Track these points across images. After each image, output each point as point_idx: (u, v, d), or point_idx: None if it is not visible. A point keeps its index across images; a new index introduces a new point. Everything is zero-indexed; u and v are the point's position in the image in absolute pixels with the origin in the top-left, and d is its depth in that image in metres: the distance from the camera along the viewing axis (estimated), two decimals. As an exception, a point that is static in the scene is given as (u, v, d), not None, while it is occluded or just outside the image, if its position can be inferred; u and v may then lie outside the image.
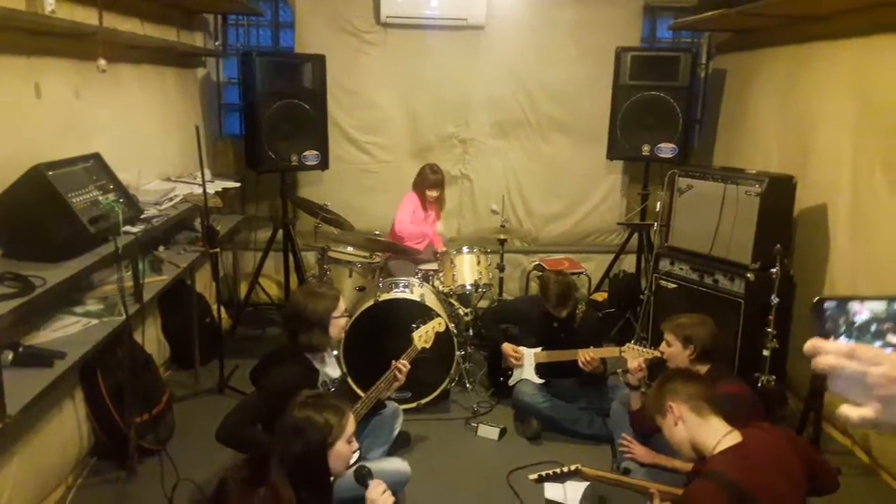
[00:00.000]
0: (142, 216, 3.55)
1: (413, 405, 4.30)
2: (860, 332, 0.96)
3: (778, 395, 4.04)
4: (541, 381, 4.21)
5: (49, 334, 2.98)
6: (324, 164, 5.47)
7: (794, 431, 3.71)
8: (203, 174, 4.00)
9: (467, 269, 4.82)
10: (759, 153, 4.92)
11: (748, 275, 4.11)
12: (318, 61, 5.29)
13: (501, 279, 5.40)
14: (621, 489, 2.77)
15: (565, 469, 2.73)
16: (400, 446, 3.81)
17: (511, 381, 4.31)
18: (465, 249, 4.88)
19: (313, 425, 2.24)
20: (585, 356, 3.92)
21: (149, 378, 3.89)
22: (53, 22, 3.02)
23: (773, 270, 3.79)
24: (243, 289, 5.89)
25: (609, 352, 3.94)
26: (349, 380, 4.18)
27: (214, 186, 4.62)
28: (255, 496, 2.14)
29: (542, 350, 4.22)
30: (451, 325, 4.29)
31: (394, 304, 4.29)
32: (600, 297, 5.85)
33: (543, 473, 2.77)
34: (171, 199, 4.06)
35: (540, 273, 5.50)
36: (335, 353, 3.41)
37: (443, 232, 5.54)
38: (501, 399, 4.47)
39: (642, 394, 3.52)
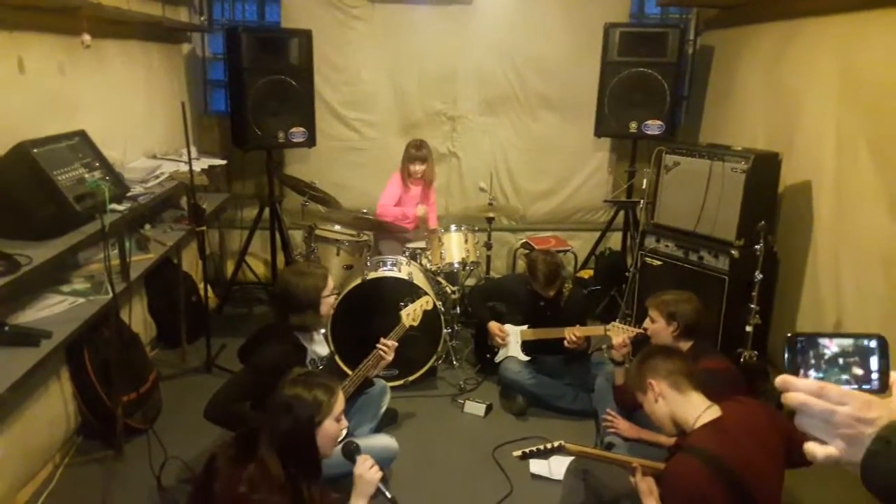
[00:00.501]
0: (128, 194, 3.53)
1: (400, 382, 4.33)
2: (828, 366, 0.99)
3: (760, 370, 4.09)
4: (527, 358, 4.24)
5: (35, 313, 2.97)
6: (311, 142, 5.44)
7: (775, 406, 3.76)
8: (189, 151, 3.97)
9: (455, 247, 4.83)
10: (746, 130, 4.94)
11: (732, 251, 4.14)
12: (305, 36, 5.24)
13: (489, 257, 5.42)
14: (605, 464, 2.81)
15: (549, 445, 2.75)
16: (387, 423, 3.85)
17: (497, 359, 4.35)
18: (452, 227, 4.89)
19: (302, 403, 2.26)
20: (572, 335, 3.95)
21: (135, 357, 3.89)
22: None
23: (757, 247, 3.83)
24: (230, 267, 5.88)
25: (594, 330, 3.98)
26: (337, 358, 4.20)
27: (200, 164, 4.59)
28: (244, 473, 2.16)
29: (529, 328, 4.25)
30: (439, 303, 4.31)
31: (381, 282, 4.30)
32: (586, 274, 5.88)
33: (527, 450, 2.80)
34: (157, 177, 4.04)
35: (527, 251, 5.52)
36: (323, 331, 3.42)
37: (424, 214, 5.42)
38: (488, 376, 4.52)
39: (626, 370, 3.56)
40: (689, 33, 5.93)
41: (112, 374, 3.46)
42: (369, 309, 4.24)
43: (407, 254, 4.82)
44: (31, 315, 2.95)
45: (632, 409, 3.46)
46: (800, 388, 0.96)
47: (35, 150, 2.90)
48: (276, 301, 3.24)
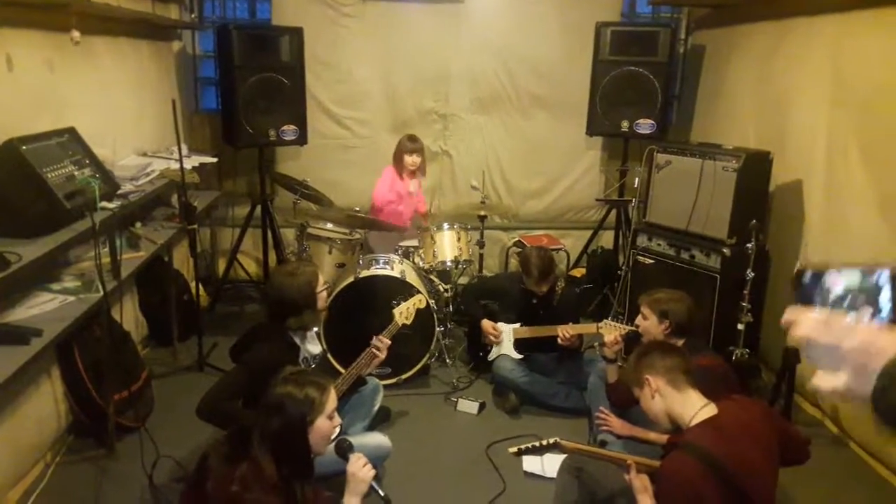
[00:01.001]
0: (118, 192, 3.51)
1: (393, 381, 4.32)
2: (835, 304, 0.97)
3: (752, 367, 4.11)
4: (519, 356, 4.24)
5: (25, 311, 2.95)
6: (302, 139, 5.43)
7: (767, 403, 3.79)
8: (180, 149, 3.95)
9: (447, 246, 4.82)
10: (737, 129, 4.96)
11: (724, 250, 4.16)
12: (296, 34, 5.22)
13: (481, 255, 5.41)
14: (599, 461, 2.82)
15: (544, 442, 2.76)
16: (380, 421, 3.84)
17: (490, 357, 4.35)
18: (445, 226, 4.88)
19: (294, 401, 2.25)
20: (564, 332, 3.96)
21: (127, 355, 3.87)
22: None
23: (749, 245, 3.84)
24: (221, 265, 5.86)
25: (587, 328, 3.98)
26: (329, 356, 4.19)
27: (191, 162, 4.57)
28: (237, 471, 2.15)
29: (521, 326, 4.25)
30: (432, 302, 4.31)
31: (374, 280, 4.29)
32: (578, 272, 5.89)
33: (522, 447, 2.81)
34: (147, 175, 4.02)
35: (519, 250, 5.52)
36: (315, 329, 3.41)
37: (415, 191, 5.44)
38: (481, 374, 4.52)
39: (619, 367, 3.57)
40: (681, 32, 5.95)
41: (103, 373, 3.44)
42: (362, 307, 4.23)
43: (399, 252, 4.81)
44: (21, 313, 2.93)
45: (624, 407, 3.47)
46: (805, 321, 0.95)
47: (24, 148, 2.88)
48: (273, 306, 3.22)
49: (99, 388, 3.48)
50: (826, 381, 0.94)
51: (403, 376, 4.38)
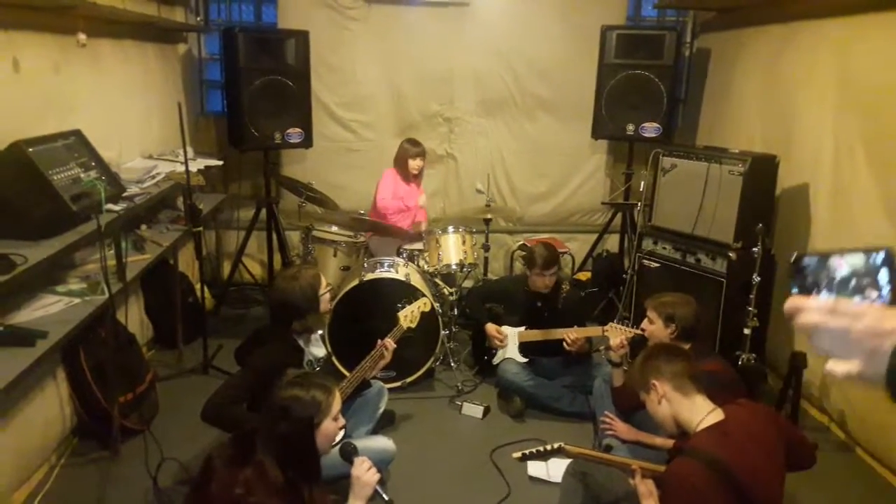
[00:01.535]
0: (124, 194, 3.51)
1: (398, 384, 4.31)
2: (840, 288, 0.96)
3: (758, 372, 4.09)
4: (524, 359, 4.23)
5: (31, 313, 2.95)
6: (307, 142, 5.43)
7: (773, 408, 3.77)
8: (185, 152, 3.96)
9: (452, 249, 4.82)
10: (743, 132, 4.95)
11: (730, 254, 4.14)
12: (302, 37, 5.23)
13: (486, 259, 5.41)
14: (604, 466, 2.80)
15: (548, 447, 2.74)
16: (385, 425, 3.83)
17: (495, 360, 4.34)
18: (450, 229, 4.88)
19: (300, 404, 2.25)
20: (570, 336, 3.95)
21: (132, 358, 3.87)
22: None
23: (755, 249, 3.83)
24: (226, 268, 5.86)
25: (592, 331, 3.97)
26: (334, 359, 4.19)
27: (197, 164, 4.57)
28: (241, 475, 2.14)
29: (526, 329, 4.24)
30: (436, 305, 4.30)
31: (379, 283, 4.29)
32: (584, 276, 5.88)
33: (527, 451, 2.79)
34: (153, 177, 4.02)
35: (524, 253, 5.51)
36: (320, 332, 3.41)
37: (425, 205, 5.49)
38: (485, 378, 4.51)
39: (624, 371, 3.56)
40: (686, 36, 5.94)
41: (108, 375, 3.45)
42: (366, 310, 4.23)
43: (404, 255, 4.81)
44: (26, 315, 2.93)
45: (630, 411, 3.46)
46: (812, 308, 0.94)
47: (30, 150, 2.89)
48: (275, 309, 3.22)
49: (104, 391, 3.48)
50: (840, 366, 0.93)
51: (408, 379, 4.37)
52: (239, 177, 5.95)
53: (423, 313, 3.69)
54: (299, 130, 5.32)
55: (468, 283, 5.39)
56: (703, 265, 4.33)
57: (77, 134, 3.34)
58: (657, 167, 4.65)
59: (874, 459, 3.67)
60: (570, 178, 6.20)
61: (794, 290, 0.97)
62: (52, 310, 3.02)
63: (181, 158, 4.03)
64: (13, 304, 2.94)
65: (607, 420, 3.48)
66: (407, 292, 4.13)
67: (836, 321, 0.92)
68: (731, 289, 4.14)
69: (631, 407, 3.37)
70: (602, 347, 4.04)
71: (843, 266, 0.96)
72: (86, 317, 3.01)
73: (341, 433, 2.43)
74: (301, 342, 3.16)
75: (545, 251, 4.17)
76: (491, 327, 4.30)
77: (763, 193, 4.28)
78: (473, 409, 4.15)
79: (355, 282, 4.26)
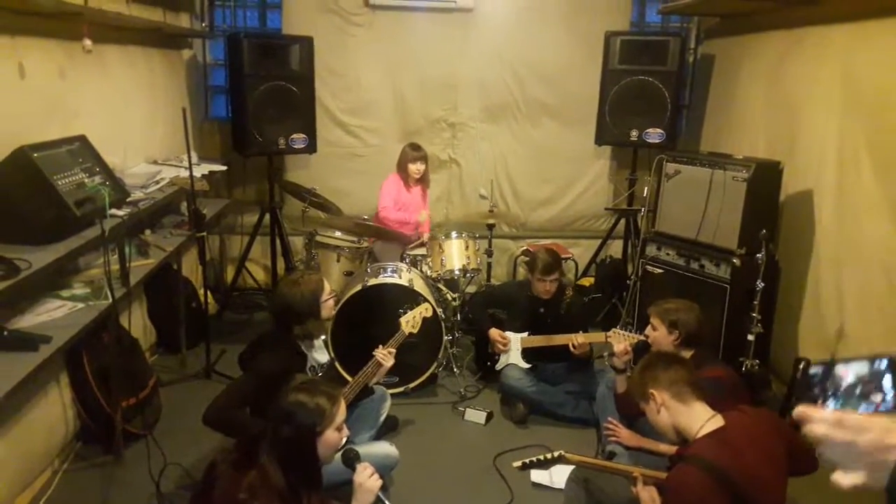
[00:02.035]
0: (128, 199, 3.52)
1: (401, 389, 4.31)
2: (846, 396, 0.98)
3: (762, 378, 4.08)
4: (527, 365, 4.23)
5: (34, 318, 2.96)
6: (311, 148, 5.44)
7: (778, 414, 3.75)
8: (190, 157, 3.97)
9: (455, 254, 4.82)
10: (747, 138, 4.94)
11: (734, 260, 4.13)
12: (306, 43, 5.25)
13: (489, 264, 5.40)
14: (606, 473, 2.80)
15: (549, 455, 2.74)
16: (387, 430, 3.83)
17: (498, 366, 4.33)
18: (453, 234, 4.88)
19: (304, 410, 2.24)
20: (577, 340, 3.94)
21: (135, 362, 3.88)
22: (38, 1, 2.98)
23: (759, 255, 3.82)
24: (230, 273, 5.87)
25: (595, 337, 3.96)
26: (337, 364, 4.18)
27: (201, 170, 4.58)
28: (245, 479, 2.14)
29: (529, 335, 4.24)
30: (439, 310, 4.30)
31: (382, 288, 4.29)
32: (587, 282, 5.87)
33: (527, 460, 2.79)
34: (157, 183, 4.03)
35: (527, 258, 5.51)
36: (323, 337, 3.41)
37: (427, 219, 5.46)
38: (488, 383, 4.50)
39: (628, 377, 3.54)
40: (690, 42, 5.95)
41: (111, 380, 3.45)
42: (370, 315, 4.23)
43: (408, 260, 4.81)
44: (30, 320, 2.94)
45: (633, 418, 3.45)
46: (819, 420, 0.96)
47: (35, 155, 2.89)
48: (277, 314, 3.22)
49: (107, 395, 3.48)
50: (846, 478, 0.97)
51: (411, 385, 4.37)
52: (243, 182, 5.96)
53: (425, 319, 3.69)
54: (303, 136, 5.33)
55: (471, 289, 5.40)
56: (707, 271, 4.32)
57: (81, 139, 3.35)
58: (661, 173, 4.65)
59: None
60: (574, 183, 6.20)
61: (804, 398, 1.01)
62: (55, 314, 3.03)
63: (185, 164, 4.04)
64: (17, 309, 2.94)
65: (611, 426, 3.47)
66: (410, 298, 4.13)
67: (841, 434, 0.95)
68: (735, 295, 4.13)
69: (634, 413, 3.35)
70: (606, 353, 4.03)
71: (848, 374, 0.99)
72: (89, 322, 3.01)
73: (344, 440, 2.43)
74: (304, 347, 3.16)
75: (547, 256, 4.17)
76: (494, 332, 4.29)
77: (767, 199, 4.27)
78: (476, 415, 4.14)
79: (358, 287, 4.26)
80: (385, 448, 3.24)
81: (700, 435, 2.26)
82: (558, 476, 3.35)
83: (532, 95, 5.96)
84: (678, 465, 2.23)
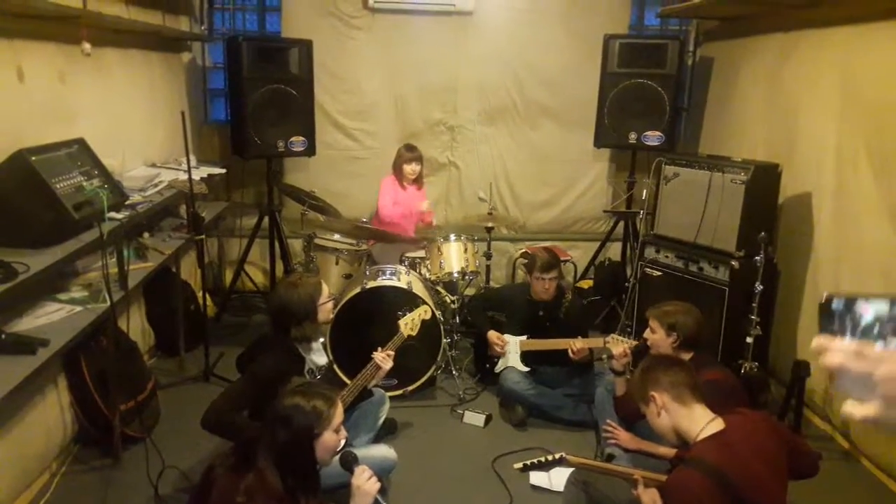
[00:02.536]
0: (126, 202, 3.51)
1: (399, 392, 4.31)
2: (864, 333, 0.98)
3: (760, 381, 4.08)
4: (526, 368, 4.23)
5: (32, 321, 2.96)
6: (310, 151, 5.44)
7: (776, 417, 3.76)
8: (188, 160, 3.97)
9: (454, 257, 4.82)
10: (746, 141, 4.95)
11: (733, 262, 4.13)
12: (305, 46, 5.25)
13: (488, 267, 5.40)
14: (606, 475, 2.79)
15: (549, 457, 2.73)
16: (386, 433, 3.82)
17: (497, 369, 4.33)
18: (451, 237, 4.88)
19: (302, 413, 2.24)
20: (575, 345, 3.94)
21: (133, 365, 3.87)
22: (36, 4, 2.97)
23: (758, 258, 3.82)
24: (229, 276, 5.87)
25: (594, 342, 3.96)
26: (335, 367, 4.18)
27: (200, 173, 4.58)
28: (243, 482, 2.14)
29: (528, 338, 4.24)
30: (438, 313, 4.30)
31: (381, 291, 4.29)
32: (586, 284, 5.87)
33: (528, 462, 2.78)
34: (155, 186, 4.03)
35: (526, 261, 5.51)
36: (322, 340, 3.40)
37: (429, 208, 5.48)
38: (487, 386, 4.50)
39: (627, 380, 3.55)
40: (689, 45, 5.94)
41: (110, 383, 3.45)
42: (368, 318, 4.22)
43: (406, 263, 4.81)
44: (28, 323, 2.94)
45: (632, 420, 3.44)
46: (837, 350, 0.95)
47: (33, 158, 2.89)
48: (275, 316, 3.22)
49: (105, 398, 3.47)
50: (858, 409, 0.95)
51: (409, 388, 4.37)
52: (242, 185, 5.95)
53: (424, 321, 3.68)
54: (302, 139, 5.33)
55: (470, 291, 5.39)
56: (706, 274, 4.33)
57: (80, 142, 3.35)
58: (660, 176, 4.65)
59: (877, 468, 3.65)
60: (573, 186, 6.21)
61: (822, 330, 0.99)
62: (53, 317, 3.02)
63: (184, 167, 4.04)
64: (15, 312, 2.94)
65: (610, 429, 3.46)
66: (408, 300, 4.13)
67: (859, 364, 0.94)
68: (734, 297, 4.13)
69: (633, 416, 3.35)
70: (604, 356, 4.03)
71: (868, 311, 0.98)
72: (87, 325, 3.01)
73: (342, 443, 2.42)
74: (302, 350, 3.16)
75: (546, 254, 4.20)
76: (493, 334, 4.29)
77: (766, 202, 4.27)
78: (475, 418, 4.13)
79: (357, 290, 4.26)
80: (383, 451, 3.24)
81: (701, 438, 2.26)
82: (557, 478, 3.35)
83: (531, 98, 5.97)
84: (679, 468, 2.22)
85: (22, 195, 2.86)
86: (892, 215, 3.50)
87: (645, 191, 4.81)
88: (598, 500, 2.80)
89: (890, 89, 3.55)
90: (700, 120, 5.79)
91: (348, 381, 3.52)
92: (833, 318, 0.98)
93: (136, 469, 3.37)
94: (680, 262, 4.50)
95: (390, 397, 3.81)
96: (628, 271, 5.48)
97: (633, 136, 5.36)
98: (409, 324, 3.60)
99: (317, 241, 4.84)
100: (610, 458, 3.35)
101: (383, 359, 3.35)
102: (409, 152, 5.31)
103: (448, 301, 4.77)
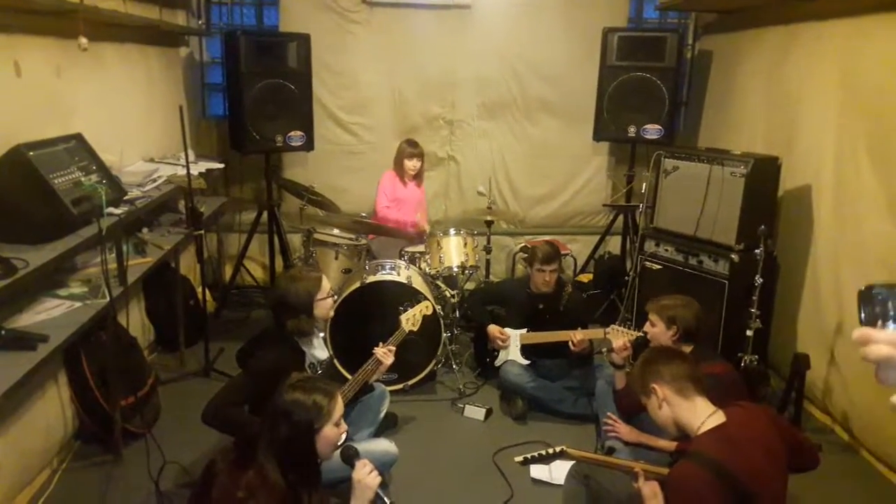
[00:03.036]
0: (125, 197, 3.51)
1: (400, 387, 4.31)
2: None
3: (760, 374, 4.08)
4: (526, 361, 4.23)
5: (32, 317, 2.95)
6: (309, 145, 5.43)
7: (776, 410, 3.76)
8: (187, 155, 3.96)
9: (454, 251, 4.82)
10: (745, 134, 4.94)
11: (732, 256, 4.13)
12: (303, 40, 5.24)
13: (488, 261, 5.40)
14: (607, 468, 2.79)
15: (551, 451, 2.74)
16: (387, 427, 3.82)
17: (497, 363, 4.33)
18: (451, 231, 4.88)
19: (302, 407, 2.24)
20: (576, 337, 3.94)
21: (133, 361, 3.87)
22: (33, -2, 2.97)
23: (757, 251, 3.82)
24: (228, 271, 5.86)
25: (594, 333, 3.96)
26: (336, 362, 4.18)
27: (198, 167, 4.57)
28: (243, 478, 2.14)
29: (528, 331, 4.24)
30: (438, 308, 4.30)
31: (380, 286, 4.28)
32: (585, 278, 5.87)
33: (528, 455, 2.79)
34: (154, 181, 4.02)
35: (526, 255, 5.51)
36: (322, 335, 3.40)
37: (423, 219, 5.46)
38: (488, 380, 4.51)
39: (627, 373, 3.55)
40: (688, 38, 5.94)
41: (110, 378, 3.44)
42: (368, 313, 4.22)
43: (406, 257, 4.81)
44: (27, 319, 2.93)
45: (633, 413, 3.45)
46: (882, 341, 0.94)
47: (31, 154, 2.88)
48: (273, 309, 3.22)
49: (105, 394, 3.47)
50: None
51: (410, 382, 4.37)
52: (240, 180, 5.95)
53: (424, 316, 3.68)
54: (301, 133, 5.32)
55: (470, 286, 5.39)
56: (706, 267, 4.33)
57: (78, 138, 3.34)
58: (659, 169, 4.65)
59: (878, 461, 3.66)
60: (572, 180, 6.20)
61: (863, 319, 0.97)
62: (53, 313, 3.01)
63: (182, 162, 4.03)
64: (14, 308, 2.93)
65: (610, 422, 3.47)
66: (408, 295, 4.12)
67: None
68: (734, 291, 4.13)
69: (633, 409, 3.36)
70: (604, 349, 4.03)
71: None
72: (87, 320, 3.00)
73: (343, 437, 2.42)
74: (303, 345, 3.16)
75: (546, 246, 4.20)
76: (493, 328, 4.29)
77: (765, 195, 4.27)
78: (476, 412, 4.14)
79: (357, 284, 4.25)
80: (384, 445, 3.24)
81: (702, 431, 2.25)
82: (558, 472, 3.35)
83: (530, 92, 5.96)
84: (680, 462, 2.22)
85: (20, 191, 2.86)
86: (891, 207, 3.49)
87: (644, 184, 4.81)
88: (598, 493, 2.80)
89: (889, 82, 3.54)
90: (699, 113, 5.78)
91: (349, 376, 3.52)
92: (875, 306, 0.97)
93: (136, 465, 3.37)
94: (680, 255, 4.49)
95: (391, 392, 3.81)
96: (628, 265, 5.49)
97: (632, 130, 5.35)
98: (410, 319, 3.59)
99: (316, 235, 4.84)
100: (610, 451, 3.35)
101: (384, 354, 3.35)
102: (411, 148, 5.30)
103: (448, 295, 4.76)
